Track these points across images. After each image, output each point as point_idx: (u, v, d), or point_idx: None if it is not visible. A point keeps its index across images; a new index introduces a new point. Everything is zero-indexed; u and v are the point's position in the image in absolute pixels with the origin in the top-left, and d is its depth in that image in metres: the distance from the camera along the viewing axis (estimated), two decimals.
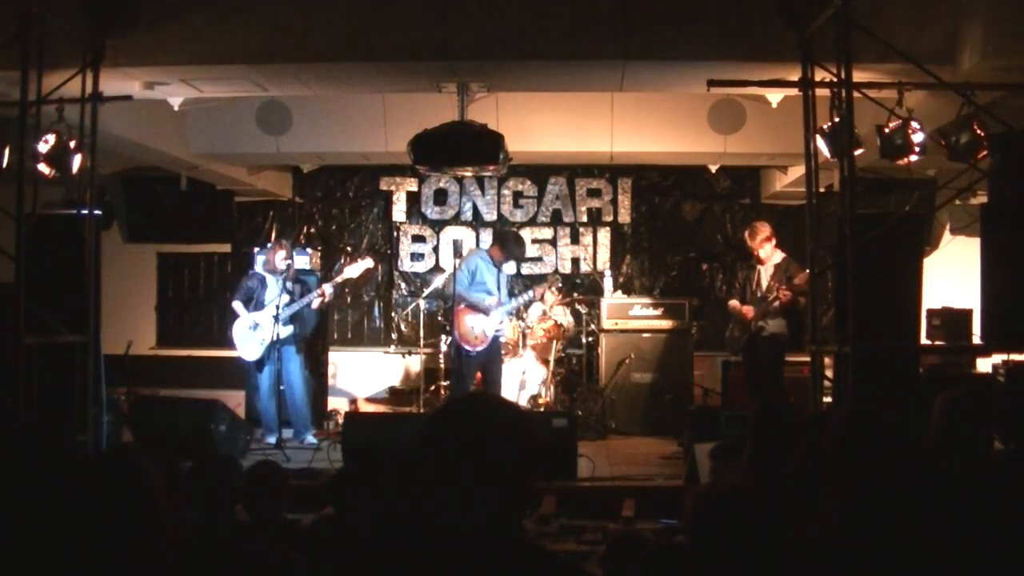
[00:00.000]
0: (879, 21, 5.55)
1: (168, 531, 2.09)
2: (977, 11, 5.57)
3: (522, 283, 11.12)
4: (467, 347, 8.35)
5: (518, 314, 9.57)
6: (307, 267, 9.81)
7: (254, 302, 8.49)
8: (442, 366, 9.57)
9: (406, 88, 7.70)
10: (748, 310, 8.11)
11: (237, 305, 8.53)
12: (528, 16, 6.14)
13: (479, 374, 8.67)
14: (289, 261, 8.51)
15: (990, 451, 3.37)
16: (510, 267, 9.75)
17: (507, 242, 8.69)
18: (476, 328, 8.39)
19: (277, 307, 8.30)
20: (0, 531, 2.26)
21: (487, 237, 11.28)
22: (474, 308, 8.40)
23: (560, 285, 9.75)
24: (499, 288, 8.61)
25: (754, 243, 8.17)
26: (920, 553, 1.37)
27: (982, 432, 3.30)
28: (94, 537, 1.97)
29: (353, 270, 8.71)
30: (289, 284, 8.53)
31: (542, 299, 9.22)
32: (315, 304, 8.58)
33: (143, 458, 2.11)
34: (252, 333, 8.40)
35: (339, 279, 8.77)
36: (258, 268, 8.75)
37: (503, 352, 9.30)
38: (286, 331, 8.41)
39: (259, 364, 8.44)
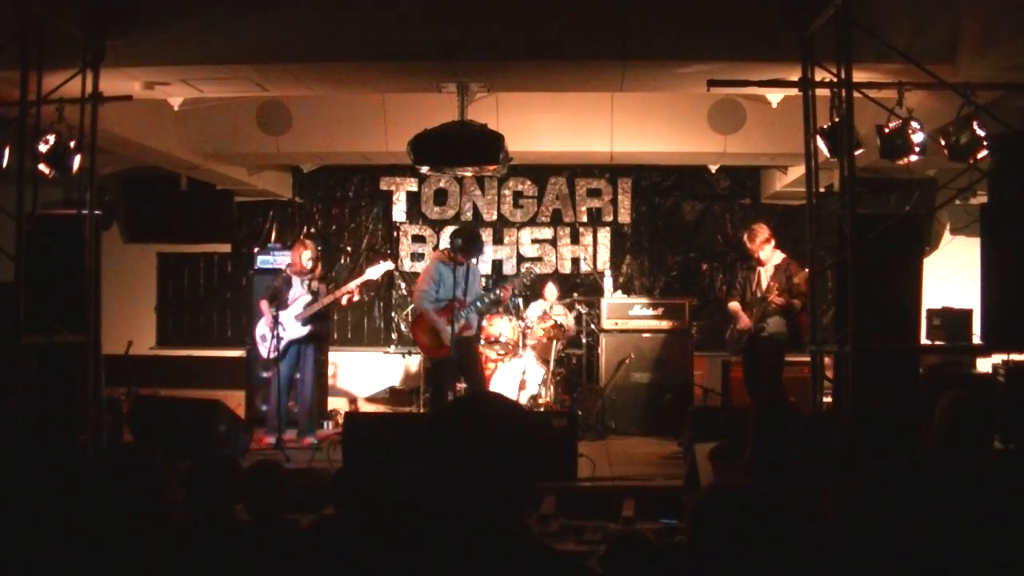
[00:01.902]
0: (879, 21, 5.55)
1: (178, 530, 2.09)
2: (976, 11, 5.57)
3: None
4: (432, 356, 8.29)
5: (518, 314, 9.56)
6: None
7: (278, 301, 8.47)
8: None
9: (406, 88, 7.71)
10: (745, 323, 8.10)
11: (264, 304, 8.53)
12: (528, 16, 6.14)
13: (459, 378, 8.63)
14: (314, 259, 8.50)
15: (990, 451, 3.37)
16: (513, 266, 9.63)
17: (458, 245, 8.37)
18: (435, 337, 8.19)
19: (301, 305, 8.36)
20: (1, 530, 2.26)
21: (488, 237, 11.29)
22: (432, 319, 8.17)
23: (527, 282, 9.64)
24: (466, 288, 8.29)
25: (754, 246, 8.14)
26: (920, 553, 1.37)
27: (982, 432, 3.30)
28: (95, 537, 1.97)
29: (375, 271, 8.60)
30: (314, 284, 8.52)
31: (507, 298, 9.02)
32: (343, 301, 8.53)
33: (156, 457, 2.10)
34: (273, 332, 8.37)
35: (360, 280, 8.54)
36: (284, 269, 8.74)
37: (504, 352, 9.30)
38: (305, 330, 8.42)
39: (276, 362, 8.42)
